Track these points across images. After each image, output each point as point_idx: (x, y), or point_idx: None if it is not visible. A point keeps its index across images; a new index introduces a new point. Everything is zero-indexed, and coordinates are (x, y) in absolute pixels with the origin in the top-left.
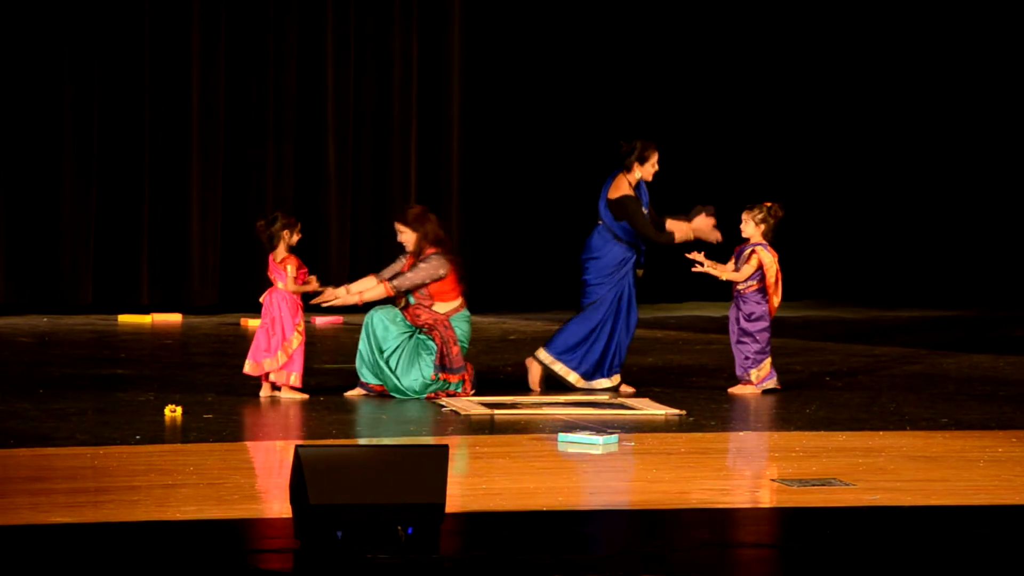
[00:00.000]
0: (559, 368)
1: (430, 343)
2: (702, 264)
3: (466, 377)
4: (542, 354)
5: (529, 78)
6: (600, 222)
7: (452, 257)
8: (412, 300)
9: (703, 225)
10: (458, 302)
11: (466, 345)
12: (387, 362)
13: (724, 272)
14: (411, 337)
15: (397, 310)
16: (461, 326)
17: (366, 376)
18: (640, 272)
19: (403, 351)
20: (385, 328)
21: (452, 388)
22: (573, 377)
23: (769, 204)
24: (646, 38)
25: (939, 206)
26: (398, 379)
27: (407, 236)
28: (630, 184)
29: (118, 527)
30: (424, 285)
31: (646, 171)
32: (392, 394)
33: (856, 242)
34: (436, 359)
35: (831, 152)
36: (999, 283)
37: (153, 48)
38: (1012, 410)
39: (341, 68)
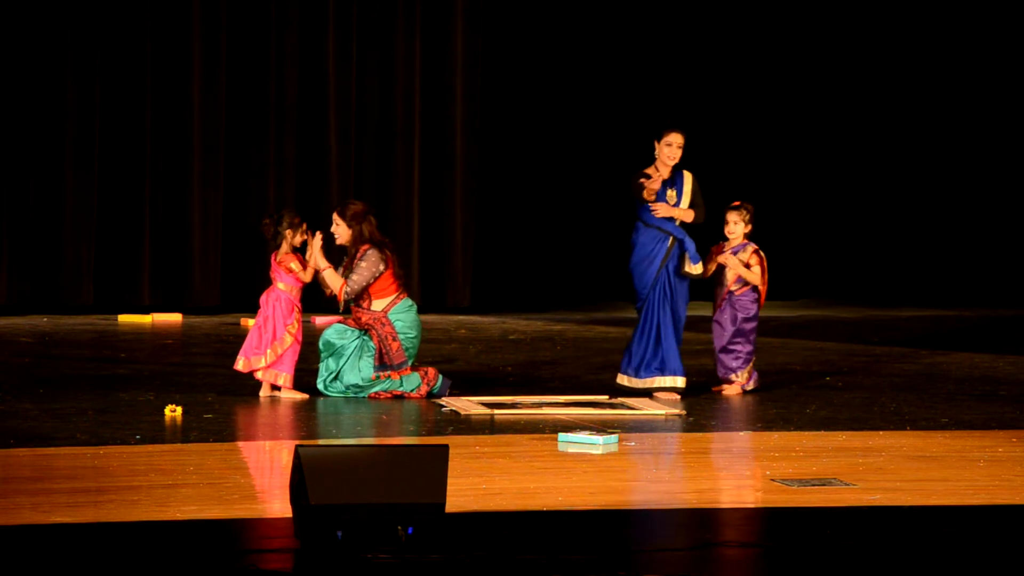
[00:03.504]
0: (627, 381)
1: (372, 344)
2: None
3: (423, 380)
4: (623, 379)
5: (532, 78)
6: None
7: (387, 251)
8: (352, 301)
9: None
10: (395, 295)
11: (414, 333)
12: (338, 376)
13: (742, 271)
14: (359, 341)
15: (343, 326)
16: (403, 317)
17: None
18: (695, 269)
19: (351, 357)
20: (338, 347)
21: (404, 389)
22: (637, 382)
23: (748, 204)
24: (648, 38)
25: (939, 206)
26: (342, 382)
27: (341, 230)
28: (657, 169)
29: (118, 527)
30: (370, 284)
31: (662, 151)
32: (344, 395)
33: (856, 242)
34: (376, 358)
35: (832, 152)
36: (999, 283)
37: (155, 47)
38: (1012, 410)
39: (343, 68)
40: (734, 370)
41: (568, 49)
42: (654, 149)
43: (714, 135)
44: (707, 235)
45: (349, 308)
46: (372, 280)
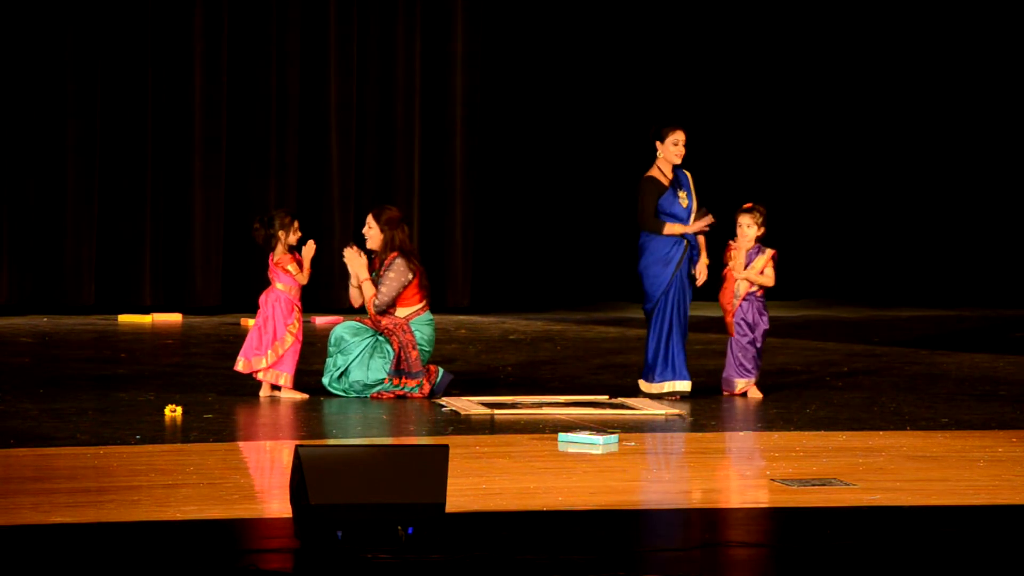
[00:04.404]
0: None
1: (387, 347)
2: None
3: (425, 380)
4: (644, 385)
5: (531, 78)
6: None
7: (415, 262)
8: (384, 311)
9: (699, 223)
10: (419, 305)
11: (428, 348)
12: (345, 373)
13: (756, 277)
14: (371, 340)
15: (358, 323)
16: (423, 329)
17: (329, 386)
18: (699, 275)
19: (361, 355)
20: (348, 343)
21: (407, 389)
22: (648, 387)
23: (761, 207)
24: (648, 38)
25: (939, 206)
26: (348, 379)
27: (373, 233)
28: (660, 169)
29: (118, 527)
30: (399, 295)
31: (668, 150)
32: (346, 394)
33: (856, 242)
34: (392, 364)
35: (831, 152)
36: (999, 283)
37: (155, 47)
38: (1012, 410)
39: (344, 68)
40: (758, 368)
41: (568, 49)
42: (655, 150)
43: (714, 136)
44: (718, 235)
45: (364, 310)
46: (401, 290)
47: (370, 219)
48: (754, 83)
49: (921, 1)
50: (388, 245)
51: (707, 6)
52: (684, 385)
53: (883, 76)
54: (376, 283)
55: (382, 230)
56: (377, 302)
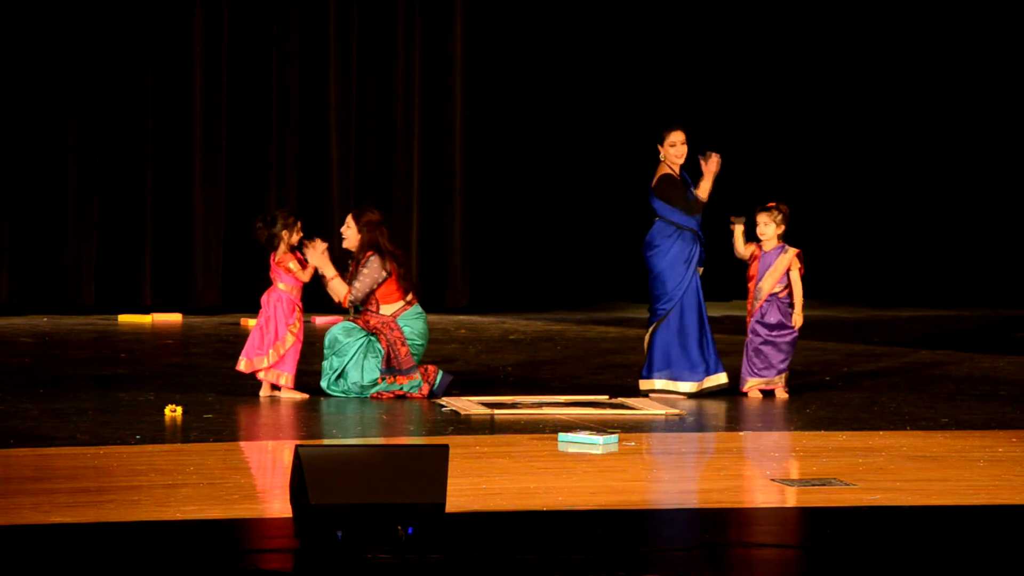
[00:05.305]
0: (665, 384)
1: (379, 347)
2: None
3: (423, 378)
4: (646, 383)
5: (531, 78)
6: (657, 218)
7: (391, 261)
8: (359, 307)
9: (712, 165)
10: (403, 302)
11: (421, 342)
12: (342, 375)
13: (778, 284)
14: (364, 340)
15: (351, 324)
16: (413, 324)
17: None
18: (700, 269)
19: (356, 356)
20: (343, 344)
21: (406, 389)
22: (684, 386)
23: (783, 205)
24: (647, 38)
25: (940, 206)
26: (347, 381)
27: (351, 233)
28: (669, 167)
29: (119, 527)
30: (373, 291)
31: (668, 153)
32: (346, 395)
33: (856, 242)
34: (383, 362)
35: (832, 152)
36: (999, 283)
37: (155, 47)
38: (1012, 410)
39: (344, 68)
40: (781, 371)
41: (567, 49)
42: (658, 153)
43: (713, 136)
44: (724, 235)
45: (359, 310)
46: (375, 286)
47: (349, 219)
48: (751, 85)
49: (918, 4)
50: (365, 245)
51: (706, 6)
52: (724, 377)
53: (882, 77)
54: (350, 281)
55: (360, 231)
56: (351, 297)
